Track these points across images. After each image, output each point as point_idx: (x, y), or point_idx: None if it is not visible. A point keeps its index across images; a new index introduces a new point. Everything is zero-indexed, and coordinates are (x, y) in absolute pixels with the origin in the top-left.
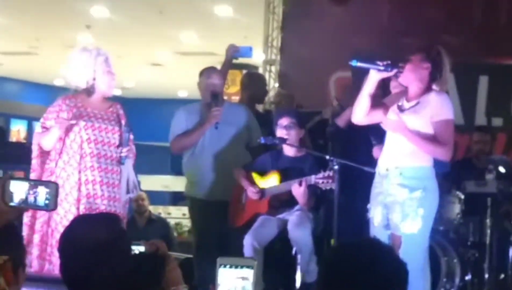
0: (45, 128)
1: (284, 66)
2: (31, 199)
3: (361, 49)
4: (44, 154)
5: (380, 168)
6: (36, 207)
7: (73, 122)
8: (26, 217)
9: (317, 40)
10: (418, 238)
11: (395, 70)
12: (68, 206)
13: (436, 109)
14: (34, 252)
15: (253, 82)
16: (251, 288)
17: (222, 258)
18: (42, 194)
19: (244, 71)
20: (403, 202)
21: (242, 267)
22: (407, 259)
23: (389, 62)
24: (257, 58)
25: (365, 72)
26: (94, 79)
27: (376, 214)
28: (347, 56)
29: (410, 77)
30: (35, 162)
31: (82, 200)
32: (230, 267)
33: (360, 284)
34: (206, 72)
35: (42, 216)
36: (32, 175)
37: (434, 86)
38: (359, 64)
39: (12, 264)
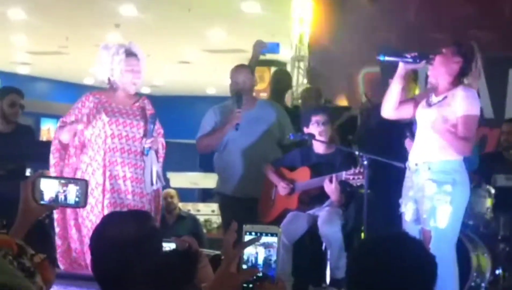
0: (64, 123)
1: (313, 62)
2: (61, 197)
3: (385, 46)
4: (62, 150)
5: (410, 163)
6: (66, 205)
7: (80, 127)
8: (56, 214)
9: (345, 35)
10: (448, 232)
11: (423, 62)
12: (94, 201)
13: (461, 103)
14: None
15: (277, 79)
16: (274, 255)
17: (247, 225)
18: (72, 192)
19: (273, 68)
20: (432, 197)
21: (267, 234)
22: (437, 253)
23: (416, 54)
24: (286, 54)
25: (393, 67)
26: (112, 76)
27: (407, 209)
28: (375, 51)
29: (440, 70)
30: (55, 157)
31: (107, 195)
32: (256, 234)
33: (388, 277)
34: (232, 71)
35: (71, 212)
36: (51, 171)
37: (465, 82)
38: (387, 58)
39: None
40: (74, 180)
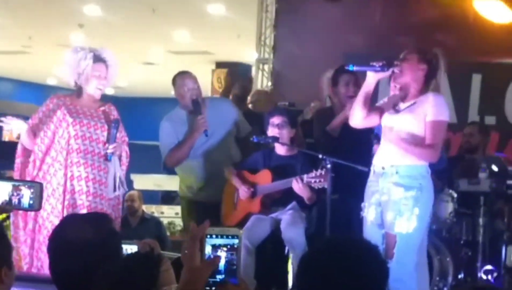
0: (28, 125)
1: (277, 64)
2: (15, 200)
3: (351, 52)
4: (26, 153)
5: (376, 167)
6: (20, 208)
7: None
8: (13, 215)
9: (310, 38)
10: (413, 237)
11: (391, 70)
12: (55, 201)
13: (431, 109)
14: (23, 249)
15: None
16: (236, 257)
17: (208, 228)
18: (26, 195)
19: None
20: (398, 201)
21: (228, 236)
22: (402, 258)
23: (384, 62)
24: (250, 56)
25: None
26: (78, 80)
27: (370, 213)
28: (340, 54)
29: (406, 78)
30: (18, 161)
31: (67, 196)
32: (216, 236)
33: (337, 280)
34: (180, 79)
35: (29, 213)
36: (16, 175)
37: (430, 88)
38: (356, 68)
39: None
40: (28, 183)
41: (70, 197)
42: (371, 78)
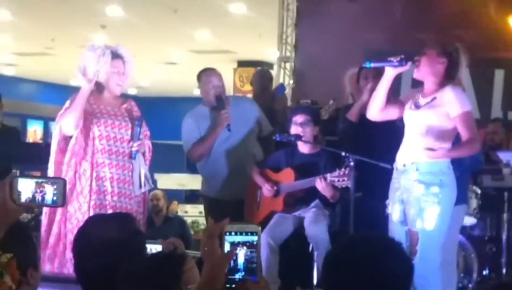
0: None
1: (299, 63)
2: (38, 197)
3: (371, 49)
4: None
5: (397, 164)
6: (44, 205)
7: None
8: (44, 215)
9: (331, 36)
10: (435, 234)
11: (409, 64)
12: (83, 200)
13: (454, 104)
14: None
15: (254, 79)
16: (255, 255)
17: (227, 225)
18: (49, 191)
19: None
20: (419, 198)
21: (246, 233)
22: (425, 255)
23: (402, 56)
24: (272, 55)
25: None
26: (98, 77)
27: (394, 210)
28: (361, 52)
29: (425, 71)
30: (52, 166)
31: (93, 196)
32: (235, 233)
33: (361, 278)
34: (205, 76)
35: (59, 214)
36: (50, 171)
37: (450, 83)
38: (373, 64)
39: (20, 263)
40: (51, 179)
41: (96, 197)
42: (389, 72)
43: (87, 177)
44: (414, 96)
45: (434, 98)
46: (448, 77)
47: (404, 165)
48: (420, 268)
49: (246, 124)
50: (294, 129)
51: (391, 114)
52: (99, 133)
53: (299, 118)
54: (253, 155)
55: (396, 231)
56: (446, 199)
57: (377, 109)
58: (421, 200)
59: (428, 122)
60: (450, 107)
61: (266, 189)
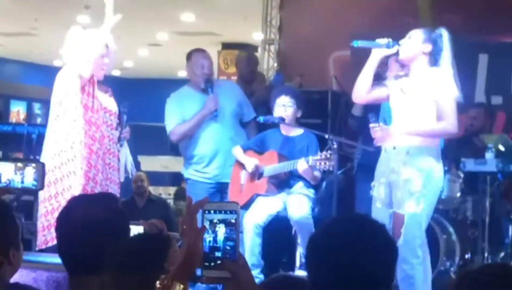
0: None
1: (283, 45)
2: (18, 180)
3: (357, 32)
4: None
5: (387, 146)
6: (23, 188)
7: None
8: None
9: (316, 19)
10: (421, 217)
11: (396, 47)
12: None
13: (438, 86)
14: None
15: (241, 62)
16: (235, 234)
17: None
18: (29, 175)
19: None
20: (408, 181)
21: (226, 211)
22: (409, 237)
23: (389, 39)
24: (256, 37)
25: (364, 51)
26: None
27: (379, 192)
28: (346, 35)
29: (410, 55)
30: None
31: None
32: (214, 212)
33: (345, 259)
34: (195, 56)
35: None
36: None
37: (435, 67)
38: (360, 44)
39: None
40: (31, 162)
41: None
42: (376, 54)
43: (80, 159)
44: (398, 80)
45: (418, 82)
46: (433, 61)
47: (394, 148)
48: (403, 250)
49: (230, 107)
50: (277, 110)
51: (377, 96)
52: (96, 117)
53: (282, 100)
54: (235, 139)
55: (380, 213)
56: (434, 183)
57: (363, 92)
58: (409, 183)
59: (414, 105)
60: (434, 90)
61: (249, 165)
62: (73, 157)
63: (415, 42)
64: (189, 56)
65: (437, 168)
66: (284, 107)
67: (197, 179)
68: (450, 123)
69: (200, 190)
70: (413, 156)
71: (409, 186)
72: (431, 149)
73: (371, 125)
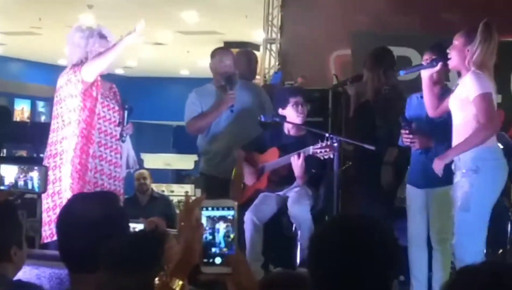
0: None
1: (285, 44)
2: (21, 183)
3: (358, 31)
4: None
5: None
6: (26, 191)
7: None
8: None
9: (317, 18)
10: (470, 219)
11: (440, 64)
12: (77, 176)
13: (469, 87)
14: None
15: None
16: (232, 230)
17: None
18: (32, 178)
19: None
20: (455, 184)
21: (223, 208)
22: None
23: (433, 57)
24: (258, 36)
25: (364, 50)
26: (87, 58)
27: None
28: (347, 34)
29: (457, 62)
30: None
31: (89, 173)
32: (212, 209)
33: (347, 258)
34: (218, 54)
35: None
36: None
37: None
38: (405, 72)
39: (3, 241)
40: (34, 167)
41: (92, 175)
42: (424, 74)
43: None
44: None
45: (458, 90)
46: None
47: None
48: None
49: (249, 106)
50: (294, 109)
51: (446, 109)
52: (103, 114)
53: (299, 99)
54: (250, 138)
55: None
56: (481, 185)
57: (432, 110)
58: (457, 186)
59: (457, 110)
60: (467, 92)
61: (249, 175)
62: (73, 157)
63: (457, 49)
64: (212, 54)
65: (485, 169)
66: (302, 105)
67: (211, 174)
68: (489, 122)
69: (214, 185)
70: (461, 158)
71: (456, 188)
72: (479, 150)
73: (402, 131)
